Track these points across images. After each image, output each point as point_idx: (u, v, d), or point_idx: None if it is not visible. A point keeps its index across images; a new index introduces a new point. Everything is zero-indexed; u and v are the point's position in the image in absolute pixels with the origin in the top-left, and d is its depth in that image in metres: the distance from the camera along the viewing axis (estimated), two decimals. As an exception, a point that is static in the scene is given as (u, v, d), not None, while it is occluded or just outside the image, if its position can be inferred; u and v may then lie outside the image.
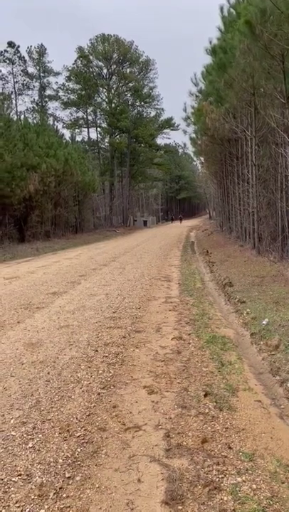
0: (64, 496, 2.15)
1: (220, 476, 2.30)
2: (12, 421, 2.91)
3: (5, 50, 38.15)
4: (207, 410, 3.06)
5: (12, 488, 2.19)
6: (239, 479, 2.28)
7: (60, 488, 2.20)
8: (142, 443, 2.65)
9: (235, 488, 2.21)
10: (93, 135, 45.06)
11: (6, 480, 2.26)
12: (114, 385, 3.52)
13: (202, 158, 26.59)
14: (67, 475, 2.31)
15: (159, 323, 5.49)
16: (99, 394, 3.35)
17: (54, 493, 2.16)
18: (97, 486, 2.23)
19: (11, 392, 3.39)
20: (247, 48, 9.92)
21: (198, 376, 3.69)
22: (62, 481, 2.27)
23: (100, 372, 3.81)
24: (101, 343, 4.63)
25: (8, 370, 3.89)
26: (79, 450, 2.56)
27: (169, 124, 44.62)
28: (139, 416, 2.99)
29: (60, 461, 2.44)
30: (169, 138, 61.18)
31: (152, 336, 4.91)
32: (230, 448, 2.59)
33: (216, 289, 8.24)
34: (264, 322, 5.30)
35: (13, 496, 2.14)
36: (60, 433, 2.75)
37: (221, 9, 13.12)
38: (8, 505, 2.07)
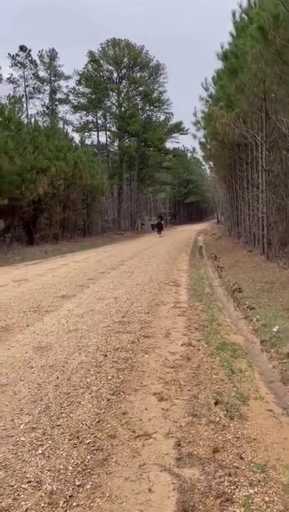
0: (74, 504, 2.13)
1: (232, 488, 2.27)
2: (22, 426, 2.90)
3: (16, 54, 38.51)
4: (218, 419, 3.02)
5: (22, 496, 2.17)
6: (251, 491, 2.24)
7: (71, 497, 2.18)
8: (153, 451, 2.62)
9: (247, 500, 2.17)
10: (102, 139, 45.28)
11: (15, 487, 2.24)
12: (124, 391, 3.50)
13: (211, 163, 26.51)
14: (77, 483, 2.29)
15: (168, 328, 5.46)
16: (108, 400, 3.32)
17: (64, 502, 2.14)
18: (107, 495, 2.20)
19: (20, 397, 3.39)
20: (259, 53, 9.90)
21: (209, 383, 3.65)
22: (73, 489, 2.24)
23: (110, 377, 3.78)
24: (110, 348, 4.61)
25: (18, 374, 3.88)
26: (89, 457, 2.53)
27: (178, 128, 44.65)
28: (149, 423, 2.96)
29: (70, 468, 2.42)
30: (178, 142, 61.23)
31: (161, 342, 4.88)
32: (241, 458, 2.55)
33: (225, 294, 8.19)
34: (274, 329, 5.25)
35: (23, 503, 2.12)
36: (69, 439, 2.73)
37: (233, 14, 13.10)
38: (18, 513, 2.05)
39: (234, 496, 2.20)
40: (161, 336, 5.13)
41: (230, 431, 2.86)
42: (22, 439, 2.74)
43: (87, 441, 2.71)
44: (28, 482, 2.29)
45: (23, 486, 2.26)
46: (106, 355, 4.37)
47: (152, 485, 2.29)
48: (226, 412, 3.11)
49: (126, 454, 2.58)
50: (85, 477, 2.35)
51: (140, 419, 3.02)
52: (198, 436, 2.79)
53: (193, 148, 67.35)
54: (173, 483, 2.31)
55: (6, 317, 6.13)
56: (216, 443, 2.71)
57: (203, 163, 46.04)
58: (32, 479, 2.32)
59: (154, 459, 2.53)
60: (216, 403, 3.27)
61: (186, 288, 8.44)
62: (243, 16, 12.92)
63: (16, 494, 2.19)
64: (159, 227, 33.63)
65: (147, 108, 43.85)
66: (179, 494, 2.21)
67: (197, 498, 2.17)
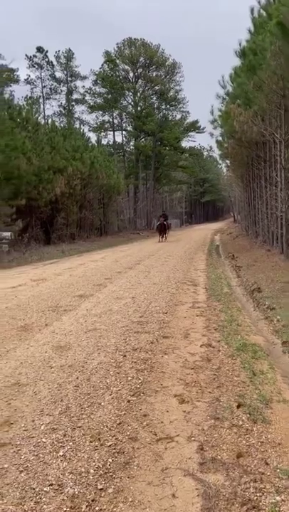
0: (97, 509, 2.09)
1: (258, 494, 2.20)
2: (42, 427, 2.88)
3: (34, 55, 38.87)
4: (241, 422, 2.95)
5: (44, 499, 2.15)
6: (278, 498, 2.17)
7: (93, 501, 2.14)
8: (175, 455, 2.57)
9: (274, 507, 2.10)
10: (119, 138, 45.29)
11: (37, 490, 2.22)
12: (144, 393, 3.45)
13: (228, 161, 26.27)
14: (99, 486, 2.25)
15: (187, 328, 5.40)
16: (129, 401, 3.28)
17: (87, 506, 2.11)
18: (130, 499, 2.16)
19: (40, 397, 3.37)
20: (278, 49, 9.73)
21: (230, 386, 3.58)
22: (95, 492, 2.21)
23: (129, 378, 3.75)
24: (129, 348, 4.57)
25: (38, 374, 3.87)
26: (110, 460, 2.49)
27: (194, 126, 44.45)
28: (170, 426, 2.91)
29: (92, 471, 2.39)
30: (194, 141, 60.50)
31: (180, 342, 4.82)
32: (267, 464, 2.48)
33: (244, 294, 8.08)
34: (296, 330, 5.13)
35: (45, 507, 2.09)
36: (90, 441, 2.70)
37: (252, 11, 12.93)
38: (41, 517, 2.03)
39: (260, 504, 2.13)
40: (180, 336, 5.07)
41: (254, 435, 2.79)
42: (43, 440, 2.72)
43: (109, 444, 2.67)
44: (49, 485, 2.26)
45: (44, 488, 2.23)
46: (125, 356, 4.33)
47: (176, 490, 2.24)
48: (248, 416, 3.04)
49: (148, 458, 2.54)
50: (107, 481, 2.32)
51: (161, 422, 2.97)
52: (221, 440, 2.72)
53: (210, 147, 66.95)
54: (197, 488, 2.25)
55: (25, 316, 6.15)
56: (240, 447, 2.64)
57: (220, 161, 45.62)
58: (54, 482, 2.29)
59: (176, 463, 2.48)
60: (238, 406, 3.20)
61: (204, 287, 8.35)
62: (262, 12, 12.73)
63: (37, 497, 2.16)
64: (161, 230, 23.97)
65: (163, 107, 43.76)
66: (203, 500, 2.15)
67: (222, 505, 2.12)
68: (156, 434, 2.80)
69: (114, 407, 3.19)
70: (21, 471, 2.40)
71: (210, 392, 3.46)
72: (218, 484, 2.28)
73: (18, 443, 2.69)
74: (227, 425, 2.91)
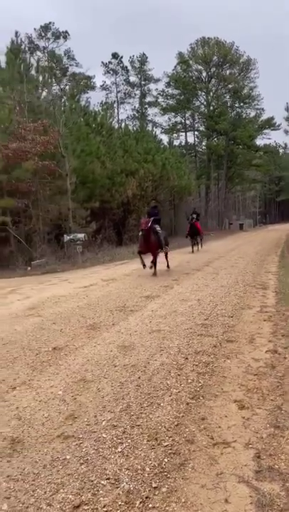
0: (150, 506, 2.16)
1: (315, 509, 2.13)
2: (104, 423, 3.02)
3: (109, 62, 40.18)
4: (303, 433, 2.86)
5: (101, 492, 2.27)
6: None
7: (147, 498, 2.22)
8: (231, 461, 2.56)
9: None
10: (191, 139, 45.17)
11: (95, 482, 2.34)
12: (204, 396, 3.46)
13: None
14: (153, 485, 2.33)
15: (253, 333, 5.29)
16: (188, 404, 3.32)
17: (140, 502, 2.19)
18: (183, 500, 2.21)
19: (103, 394, 3.53)
20: None
21: (294, 395, 3.47)
22: (149, 490, 2.28)
23: (190, 381, 3.78)
24: (191, 351, 4.59)
25: (102, 372, 4.05)
26: (166, 460, 2.56)
27: (269, 124, 43.02)
28: (228, 431, 2.90)
29: (148, 469, 2.47)
30: (269, 138, 58.57)
31: (245, 347, 4.74)
32: None
33: None
34: None
35: (101, 499, 2.21)
36: (148, 440, 2.78)
37: None
38: (96, 509, 2.14)
39: (317, 519, 2.06)
40: (245, 341, 4.98)
41: (316, 448, 2.69)
42: (103, 435, 2.85)
43: (165, 444, 2.73)
44: (107, 479, 2.38)
45: (102, 482, 2.36)
46: (187, 358, 4.36)
47: (229, 495, 2.24)
48: (312, 427, 2.93)
49: (203, 461, 2.56)
50: (161, 480, 2.38)
51: (219, 426, 2.97)
52: (279, 450, 2.66)
53: (285, 144, 64.31)
54: (251, 496, 2.24)
55: (94, 315, 6.42)
56: (300, 459, 2.56)
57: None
58: (111, 476, 2.40)
59: (232, 469, 2.48)
60: (301, 416, 3.09)
61: (274, 291, 8.08)
62: None
63: (95, 489, 2.29)
64: (191, 232, 18.57)
65: (237, 105, 42.93)
66: (256, 508, 2.14)
67: (276, 516, 2.08)
68: (213, 438, 2.81)
69: (173, 408, 3.25)
70: (82, 463, 2.55)
71: (272, 400, 3.38)
72: (274, 494, 2.24)
73: (81, 436, 2.85)
74: (288, 435, 2.84)
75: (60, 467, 2.51)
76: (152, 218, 11.20)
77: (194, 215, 18.91)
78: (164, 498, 2.23)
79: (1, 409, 3.33)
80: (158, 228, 11.37)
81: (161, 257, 11.55)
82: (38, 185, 15.91)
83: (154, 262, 10.99)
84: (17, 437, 2.87)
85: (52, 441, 2.82)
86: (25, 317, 6.56)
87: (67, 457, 2.61)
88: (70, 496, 2.24)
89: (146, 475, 2.42)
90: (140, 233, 11.44)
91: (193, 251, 17.95)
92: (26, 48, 24.61)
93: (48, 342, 5.11)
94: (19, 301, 7.96)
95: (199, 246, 19.06)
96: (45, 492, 2.29)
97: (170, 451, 2.66)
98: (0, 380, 3.94)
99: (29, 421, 3.11)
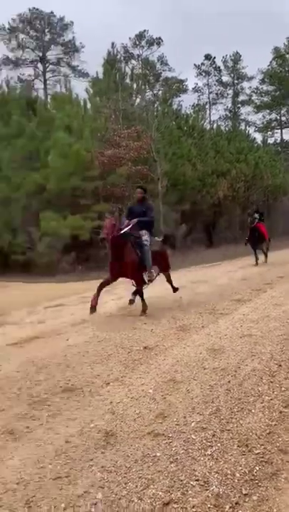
0: (240, 512, 2.13)
1: None
2: (193, 424, 3.03)
3: (202, 63, 40.09)
4: None
5: (190, 492, 2.28)
6: None
7: (236, 504, 2.18)
8: None
9: None
10: (286, 136, 43.09)
11: (184, 482, 2.36)
12: (299, 406, 3.31)
13: None
14: (244, 491, 2.28)
15: None
16: (281, 412, 3.19)
17: (230, 507, 2.16)
18: (275, 510, 2.13)
19: (193, 396, 3.54)
20: None
21: None
22: (239, 496, 2.25)
23: (283, 389, 3.62)
24: (285, 358, 4.40)
25: (192, 373, 4.06)
26: (257, 468, 2.49)
27: None
28: None
29: (238, 475, 2.43)
30: None
31: None
32: None
33: None
34: None
35: (190, 499, 2.22)
36: (238, 446, 2.73)
37: None
38: (186, 508, 2.16)
39: None
40: None
41: None
42: (192, 437, 2.86)
43: (256, 452, 2.67)
44: (196, 480, 2.39)
45: (191, 482, 2.37)
46: (280, 365, 4.19)
47: None
48: None
49: (297, 473, 2.45)
50: (252, 487, 2.33)
51: (315, 439, 2.81)
52: None
53: None
54: None
55: (184, 317, 6.45)
56: None
57: None
58: (200, 478, 2.40)
59: None
60: None
61: None
62: None
63: (184, 489, 2.31)
64: (252, 238, 13.83)
65: None
66: None
67: None
68: (308, 451, 2.67)
69: (264, 415, 3.15)
70: (171, 462, 2.59)
71: None
72: None
73: (170, 435, 2.90)
74: None
75: (151, 463, 2.58)
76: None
77: (257, 215, 13.91)
78: (255, 506, 2.17)
79: (96, 402, 3.50)
80: (145, 238, 6.81)
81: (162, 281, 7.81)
82: (131, 189, 16.44)
83: (138, 292, 6.88)
84: (110, 431, 3.00)
85: (143, 437, 2.90)
86: (118, 316, 6.83)
87: (158, 454, 2.67)
88: (160, 493, 2.29)
89: (237, 481, 2.38)
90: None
91: (257, 263, 13.79)
92: (122, 58, 25.61)
93: (139, 341, 5.26)
94: (113, 300, 8.29)
95: (263, 256, 14.18)
96: (136, 486, 2.36)
97: (262, 459, 2.59)
98: (95, 375, 4.15)
99: (122, 416, 3.23)
